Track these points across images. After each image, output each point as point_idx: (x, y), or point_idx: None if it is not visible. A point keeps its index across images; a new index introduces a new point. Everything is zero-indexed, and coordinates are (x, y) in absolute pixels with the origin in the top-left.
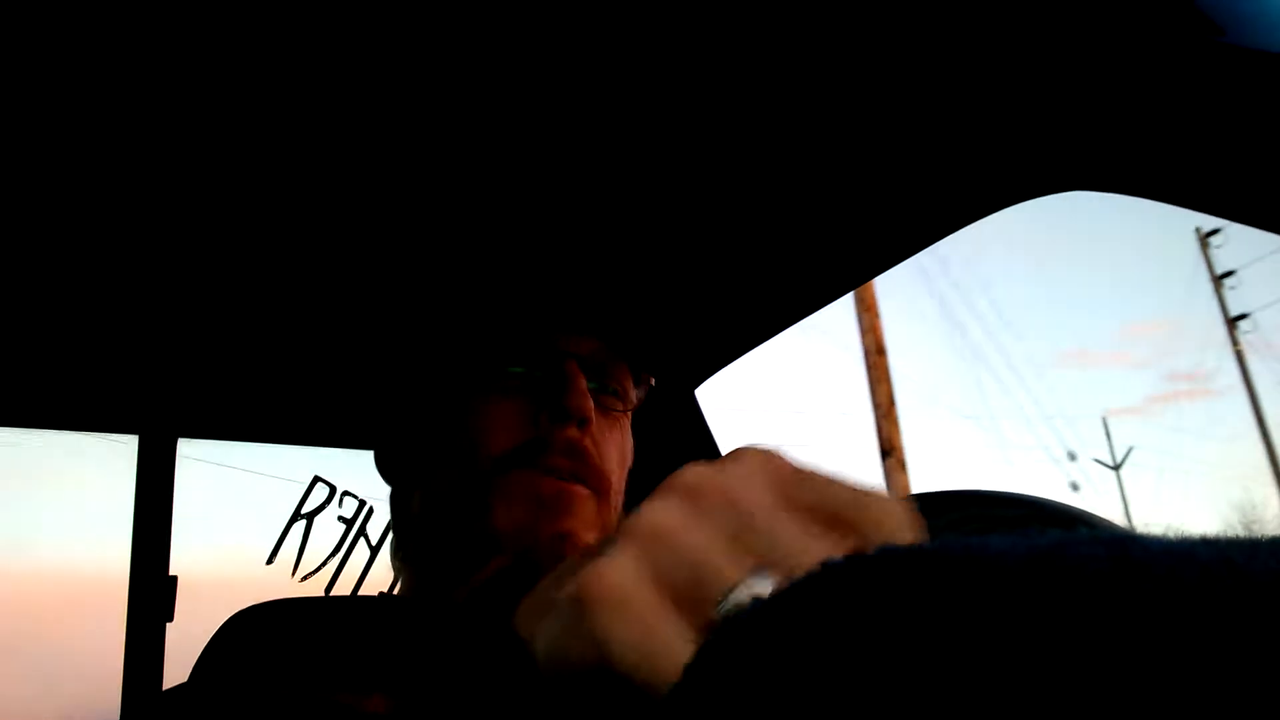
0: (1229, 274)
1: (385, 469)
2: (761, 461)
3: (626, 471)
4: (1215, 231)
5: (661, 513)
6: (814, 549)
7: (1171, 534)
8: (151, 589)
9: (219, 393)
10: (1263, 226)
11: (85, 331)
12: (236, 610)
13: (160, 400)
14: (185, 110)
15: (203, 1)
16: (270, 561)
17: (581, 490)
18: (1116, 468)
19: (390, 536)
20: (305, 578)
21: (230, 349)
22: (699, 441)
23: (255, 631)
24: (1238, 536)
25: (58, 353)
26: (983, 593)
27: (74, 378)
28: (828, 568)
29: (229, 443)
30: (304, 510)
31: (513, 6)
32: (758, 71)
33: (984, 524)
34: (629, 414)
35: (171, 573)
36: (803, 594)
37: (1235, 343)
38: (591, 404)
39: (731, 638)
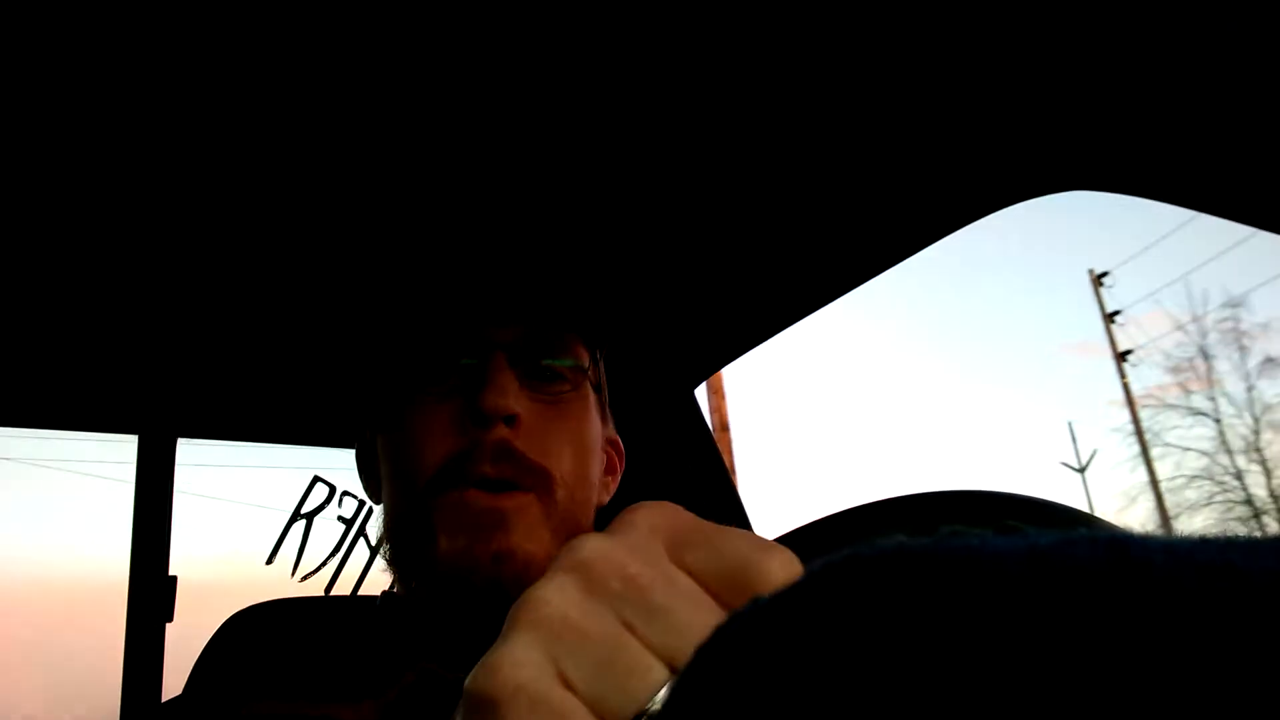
0: (1117, 313)
1: (363, 480)
2: (655, 524)
3: (593, 451)
4: (1105, 274)
5: (557, 597)
6: (708, 624)
7: (1171, 534)
8: (151, 589)
9: (219, 392)
10: (1263, 226)
11: (85, 331)
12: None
13: (160, 400)
14: (183, 111)
15: (190, 7)
16: (270, 561)
17: (517, 500)
18: (1082, 470)
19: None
20: (305, 578)
21: (230, 349)
22: (698, 440)
23: (255, 632)
24: (1237, 536)
25: (58, 353)
26: (983, 593)
27: (74, 378)
28: (827, 567)
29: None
30: (303, 510)
31: None
32: (758, 68)
33: (986, 526)
34: (584, 390)
35: (171, 573)
36: (802, 595)
37: (1123, 375)
38: (511, 400)
39: (730, 638)
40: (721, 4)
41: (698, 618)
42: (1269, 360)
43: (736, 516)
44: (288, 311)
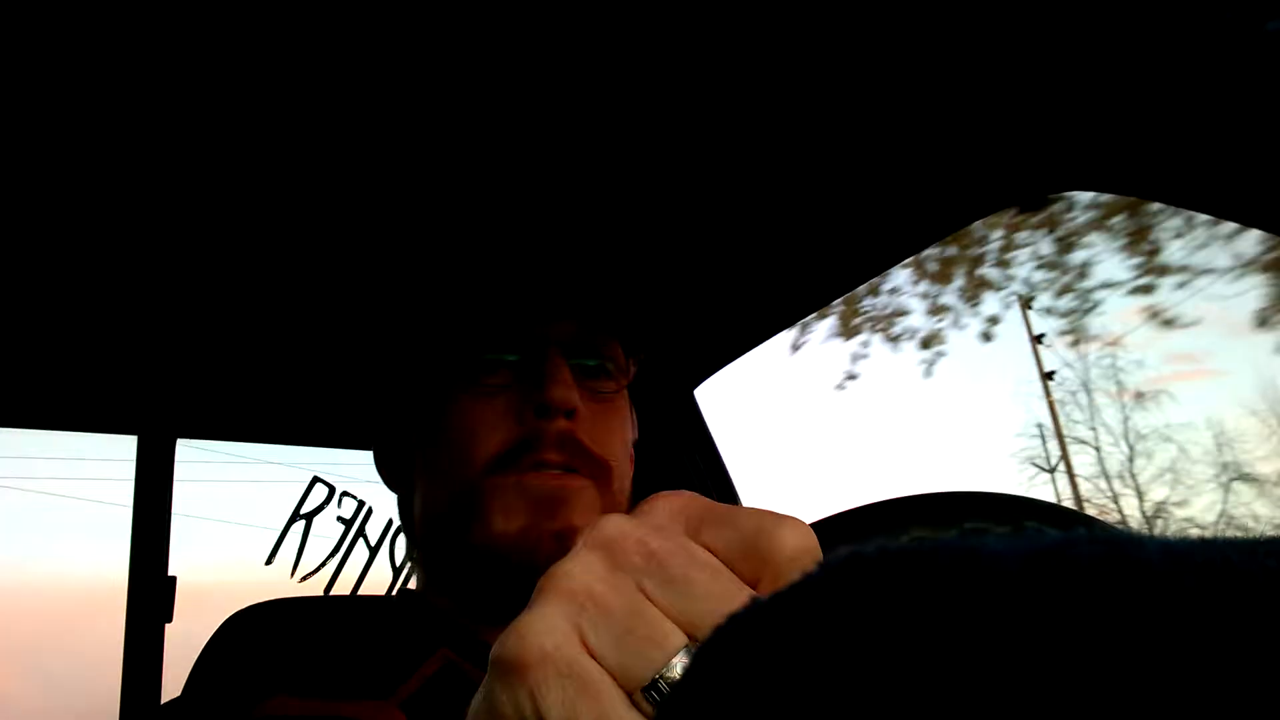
0: (1042, 335)
1: (384, 473)
2: (674, 508)
3: (630, 449)
4: (1033, 298)
5: (581, 570)
6: (726, 592)
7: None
8: (150, 589)
9: (218, 393)
10: (1262, 227)
11: (85, 332)
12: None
13: (159, 401)
14: (182, 111)
15: (193, 6)
16: (269, 562)
17: (578, 481)
18: (1051, 470)
19: (403, 539)
20: (305, 578)
21: (229, 349)
22: (698, 442)
23: (256, 632)
24: (1236, 537)
25: (57, 353)
26: (984, 593)
27: (73, 378)
28: (827, 568)
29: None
30: (303, 511)
31: None
32: (760, 70)
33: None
34: (624, 391)
35: (170, 573)
36: (803, 594)
37: (1048, 394)
38: (575, 394)
39: (732, 638)
40: (722, 5)
41: (715, 586)
42: (1140, 394)
43: None
44: (288, 311)
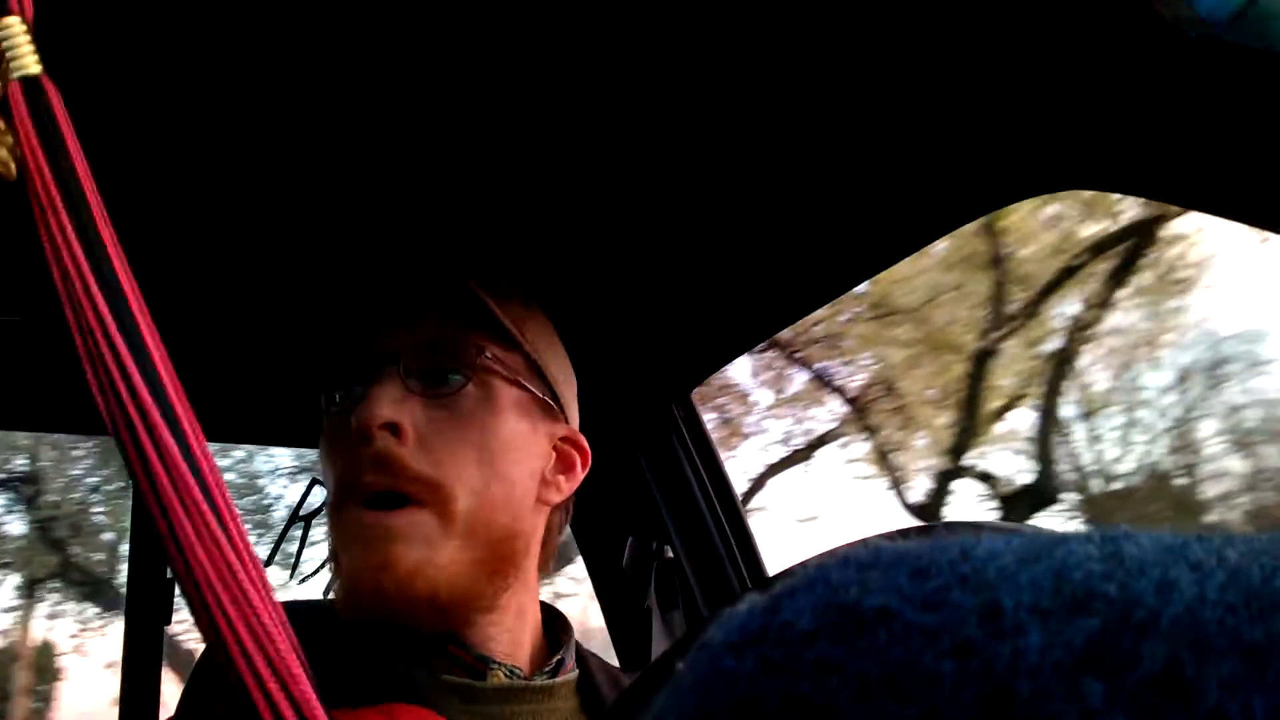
0: None
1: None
2: None
3: (506, 452)
4: None
5: None
6: None
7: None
8: (149, 592)
9: (217, 394)
10: (1261, 227)
11: None
12: None
13: None
14: (178, 110)
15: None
16: (268, 564)
17: (406, 517)
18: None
19: None
20: (304, 580)
21: (228, 350)
22: (699, 446)
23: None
24: (1232, 535)
25: (56, 355)
26: (979, 588)
27: (72, 380)
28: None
29: None
30: (302, 513)
31: None
32: (750, 65)
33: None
34: (493, 390)
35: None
36: (800, 587)
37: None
38: (383, 410)
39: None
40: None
41: None
42: None
43: (737, 524)
44: (286, 312)
